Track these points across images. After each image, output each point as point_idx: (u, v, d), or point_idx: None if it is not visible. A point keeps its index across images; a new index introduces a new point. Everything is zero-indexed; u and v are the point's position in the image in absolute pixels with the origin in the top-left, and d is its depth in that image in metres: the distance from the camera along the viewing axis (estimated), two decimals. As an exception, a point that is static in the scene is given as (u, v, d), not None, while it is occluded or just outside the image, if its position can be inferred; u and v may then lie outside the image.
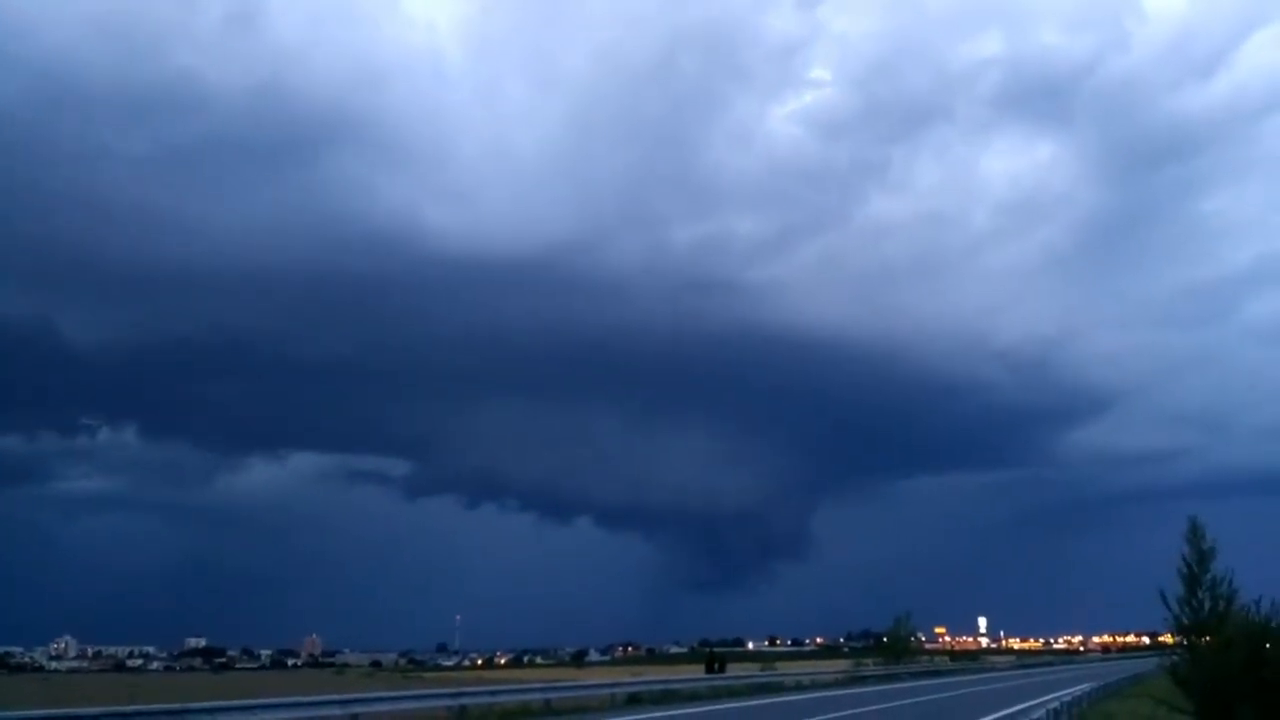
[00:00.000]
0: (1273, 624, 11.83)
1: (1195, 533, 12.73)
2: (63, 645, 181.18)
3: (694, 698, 33.40)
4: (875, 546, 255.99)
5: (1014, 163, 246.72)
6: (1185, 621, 12.83)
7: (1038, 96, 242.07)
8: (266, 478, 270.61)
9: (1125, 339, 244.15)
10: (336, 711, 20.81)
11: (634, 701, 30.55)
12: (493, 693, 26.59)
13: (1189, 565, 12.74)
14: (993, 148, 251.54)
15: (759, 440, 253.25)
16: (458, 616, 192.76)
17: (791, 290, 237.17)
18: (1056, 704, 21.70)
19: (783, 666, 63.30)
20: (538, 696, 27.84)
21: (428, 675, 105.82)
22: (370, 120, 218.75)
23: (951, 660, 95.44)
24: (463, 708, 24.21)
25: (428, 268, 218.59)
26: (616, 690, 31.52)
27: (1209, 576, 12.59)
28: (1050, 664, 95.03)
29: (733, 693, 36.79)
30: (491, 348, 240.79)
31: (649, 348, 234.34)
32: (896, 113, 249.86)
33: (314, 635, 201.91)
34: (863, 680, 50.15)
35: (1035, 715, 18.13)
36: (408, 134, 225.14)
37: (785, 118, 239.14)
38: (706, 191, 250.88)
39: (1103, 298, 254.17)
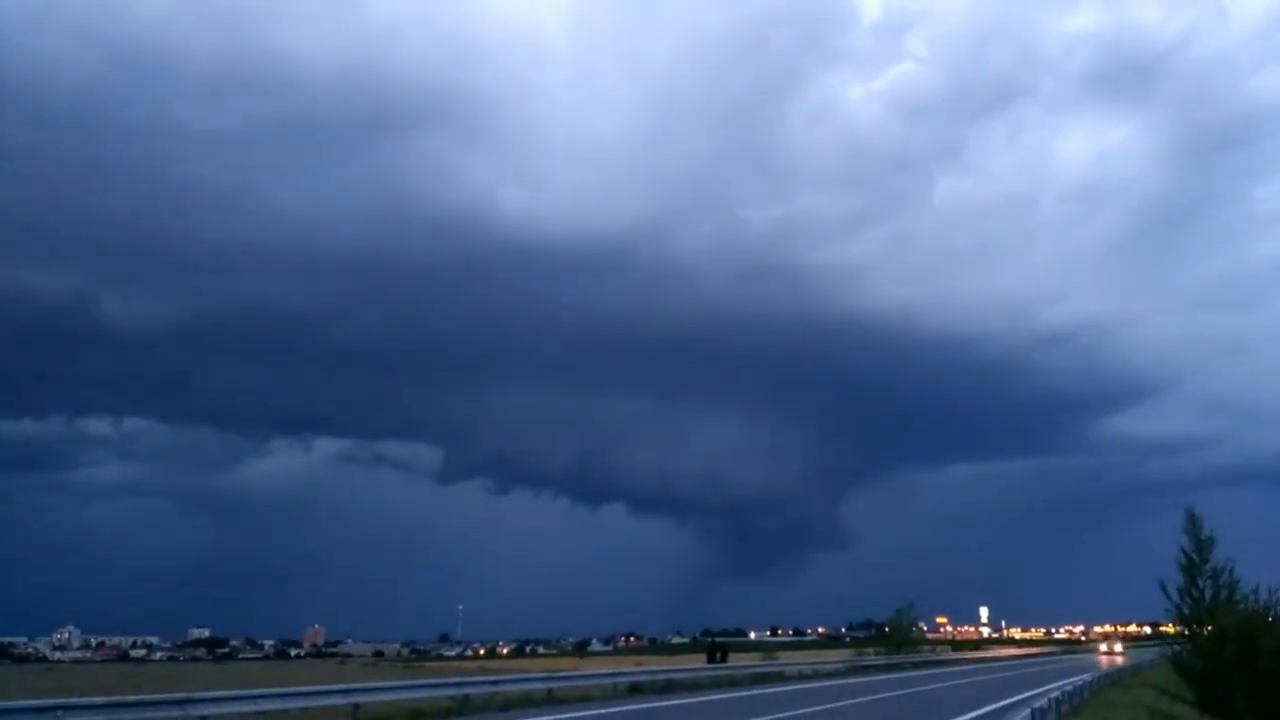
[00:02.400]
0: (1269, 615, 11.86)
1: (1193, 523, 12.75)
2: (66, 635, 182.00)
3: (695, 687, 33.53)
4: (894, 536, 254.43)
5: (1088, 145, 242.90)
6: (1185, 611, 12.84)
7: (1123, 75, 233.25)
8: (282, 465, 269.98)
9: (1170, 325, 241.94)
10: (338, 701, 20.93)
11: (635, 691, 30.66)
12: (495, 682, 26.68)
13: (1188, 555, 12.77)
14: (1071, 129, 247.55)
15: (802, 428, 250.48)
16: (460, 606, 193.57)
17: (854, 274, 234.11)
18: (1058, 693, 21.82)
19: (784, 656, 63.49)
20: (540, 686, 27.94)
21: (430, 665, 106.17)
22: (461, 100, 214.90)
23: (953, 650, 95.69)
24: (465, 697, 24.29)
25: (492, 251, 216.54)
26: (618, 680, 31.62)
27: (1209, 566, 12.62)
28: (1052, 654, 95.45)
29: (734, 682, 36.91)
30: (536, 332, 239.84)
31: (699, 332, 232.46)
32: (980, 92, 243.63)
33: (317, 625, 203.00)
34: (864, 670, 50.27)
35: (1038, 704, 18.23)
36: (496, 115, 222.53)
37: (867, 97, 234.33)
38: (780, 173, 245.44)
39: (1153, 283, 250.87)
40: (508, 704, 25.58)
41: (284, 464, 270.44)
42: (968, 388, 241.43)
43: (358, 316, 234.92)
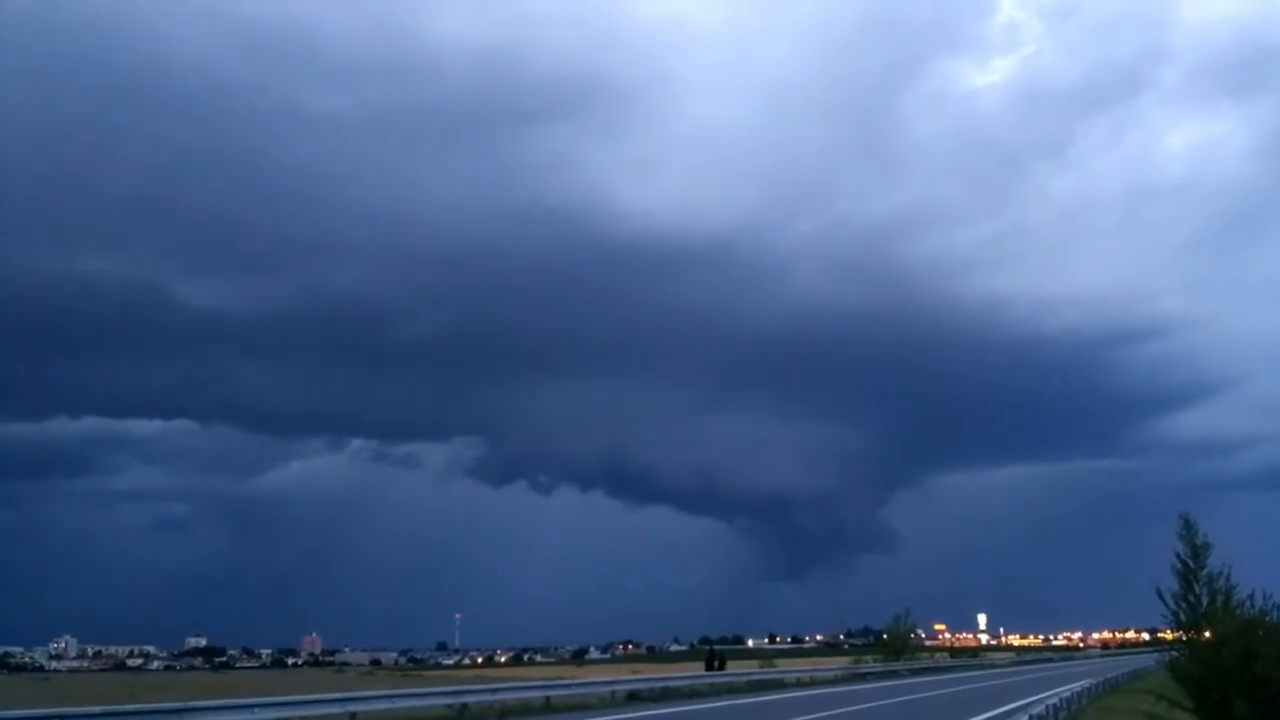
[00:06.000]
0: (1267, 620, 11.89)
1: (1188, 528, 12.79)
2: (63, 645, 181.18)
3: (693, 695, 33.45)
4: (914, 541, 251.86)
5: (1193, 137, 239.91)
6: (1182, 618, 12.87)
7: (1245, 66, 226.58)
8: (298, 469, 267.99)
9: (1242, 324, 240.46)
10: (335, 710, 20.86)
11: (633, 699, 30.59)
12: (493, 690, 26.62)
13: (1183, 561, 12.80)
14: (1183, 120, 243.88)
15: (858, 432, 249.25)
16: (457, 615, 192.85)
17: (948, 270, 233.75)
18: (1056, 700, 21.79)
19: (782, 664, 63.38)
20: (538, 694, 27.86)
21: (428, 674, 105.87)
22: (595, 90, 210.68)
23: (951, 657, 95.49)
24: (463, 706, 24.24)
25: (586, 247, 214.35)
26: (616, 688, 31.54)
27: (1205, 572, 12.65)
28: (1050, 660, 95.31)
29: (732, 690, 36.84)
30: (601, 328, 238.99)
31: (787, 329, 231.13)
32: (1096, 84, 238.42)
33: (314, 634, 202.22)
34: (862, 677, 50.18)
35: (1035, 710, 18.21)
36: (626, 107, 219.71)
37: (987, 88, 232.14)
38: (891, 165, 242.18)
39: (1230, 281, 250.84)
40: (506, 712, 25.52)
41: (300, 468, 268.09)
42: (1028, 388, 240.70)
43: (421, 312, 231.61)
